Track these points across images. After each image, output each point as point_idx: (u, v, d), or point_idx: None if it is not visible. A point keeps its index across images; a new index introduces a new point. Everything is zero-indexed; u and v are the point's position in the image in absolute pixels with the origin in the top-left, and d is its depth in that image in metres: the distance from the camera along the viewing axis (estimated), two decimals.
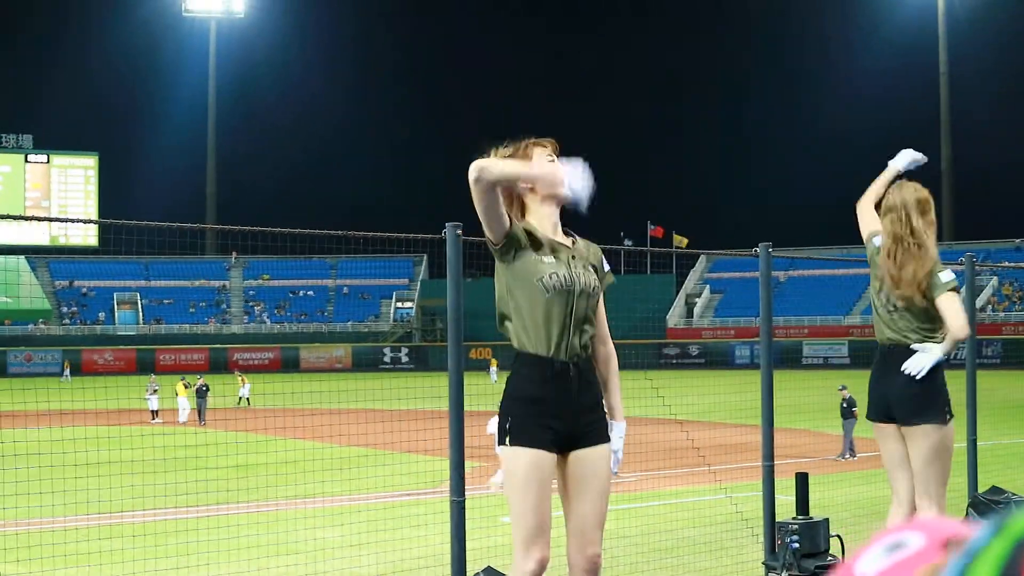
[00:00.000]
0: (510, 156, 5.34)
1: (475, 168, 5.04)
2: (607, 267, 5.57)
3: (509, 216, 5.28)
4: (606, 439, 5.41)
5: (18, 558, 11.44)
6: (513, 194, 5.36)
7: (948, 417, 7.22)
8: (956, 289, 7.19)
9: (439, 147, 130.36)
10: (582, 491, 5.32)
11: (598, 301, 5.41)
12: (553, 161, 5.41)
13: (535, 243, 5.29)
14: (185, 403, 36.29)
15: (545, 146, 5.45)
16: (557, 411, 5.24)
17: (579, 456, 5.32)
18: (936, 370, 7.16)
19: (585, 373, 5.33)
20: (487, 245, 5.37)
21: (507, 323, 5.36)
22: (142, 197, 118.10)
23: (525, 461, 5.20)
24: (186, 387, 36.90)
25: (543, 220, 5.37)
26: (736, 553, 12.34)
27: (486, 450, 17.68)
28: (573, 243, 5.45)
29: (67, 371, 68.72)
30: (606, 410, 5.47)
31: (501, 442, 5.32)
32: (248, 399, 42.28)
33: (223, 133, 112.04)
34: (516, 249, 5.28)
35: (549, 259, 5.28)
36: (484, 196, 5.10)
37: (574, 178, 5.26)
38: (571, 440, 5.31)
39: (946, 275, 7.21)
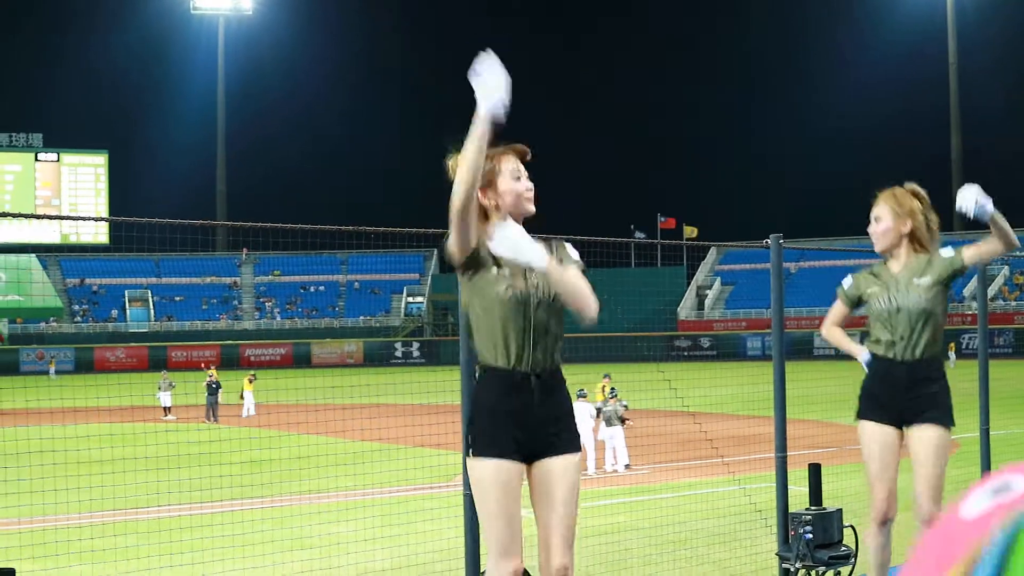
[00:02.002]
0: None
1: (455, 197, 5.02)
2: (575, 256, 5.47)
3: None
4: (573, 449, 5.34)
5: (33, 555, 11.48)
6: (477, 207, 5.25)
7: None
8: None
9: (448, 140, 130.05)
10: (547, 502, 5.29)
11: (559, 311, 5.30)
12: (520, 174, 5.33)
13: (493, 257, 5.23)
14: (251, 398, 36.87)
15: (511, 155, 5.36)
16: (519, 421, 5.21)
17: (543, 466, 5.28)
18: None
19: (548, 384, 5.27)
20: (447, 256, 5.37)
21: (471, 336, 5.37)
22: (152, 194, 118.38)
23: (490, 471, 5.19)
24: (250, 381, 37.42)
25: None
26: (750, 544, 12.34)
27: None
28: None
29: (52, 369, 68.90)
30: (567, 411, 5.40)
31: (466, 453, 5.34)
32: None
33: (232, 129, 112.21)
34: (476, 265, 5.26)
35: (505, 272, 5.23)
36: (463, 219, 5.07)
37: (489, 83, 4.98)
38: (535, 450, 5.27)
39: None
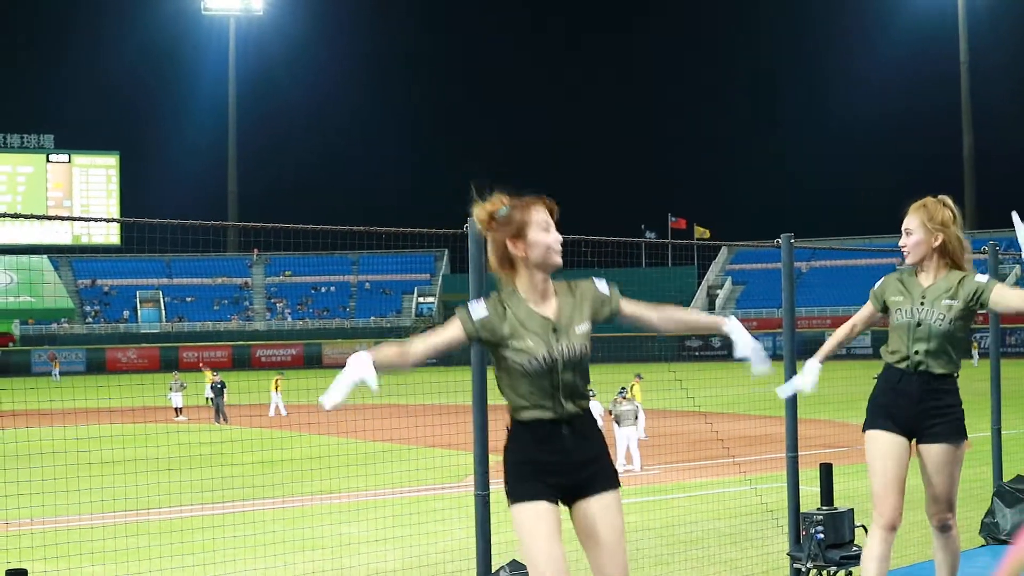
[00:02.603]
0: (510, 212, 5.20)
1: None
2: (605, 291, 5.42)
3: (462, 326, 5.28)
4: (612, 486, 5.30)
5: (45, 556, 11.50)
6: (506, 256, 5.25)
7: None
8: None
9: (459, 141, 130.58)
10: (594, 543, 5.27)
11: (587, 359, 5.32)
12: (548, 226, 5.27)
13: (509, 328, 5.21)
14: (278, 398, 37.30)
15: (541, 206, 5.31)
16: (552, 468, 5.22)
17: (584, 508, 5.27)
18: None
19: (580, 430, 5.27)
20: None
21: (501, 389, 5.39)
22: (163, 195, 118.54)
23: (526, 514, 5.19)
24: (277, 385, 37.84)
25: (531, 288, 5.27)
26: (761, 544, 12.34)
27: None
28: (558, 308, 5.29)
29: (56, 371, 69.01)
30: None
31: (508, 504, 5.35)
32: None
33: (243, 130, 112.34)
34: (489, 341, 5.26)
35: (529, 343, 5.19)
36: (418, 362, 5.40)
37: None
38: (573, 492, 5.27)
39: None
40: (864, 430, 7.15)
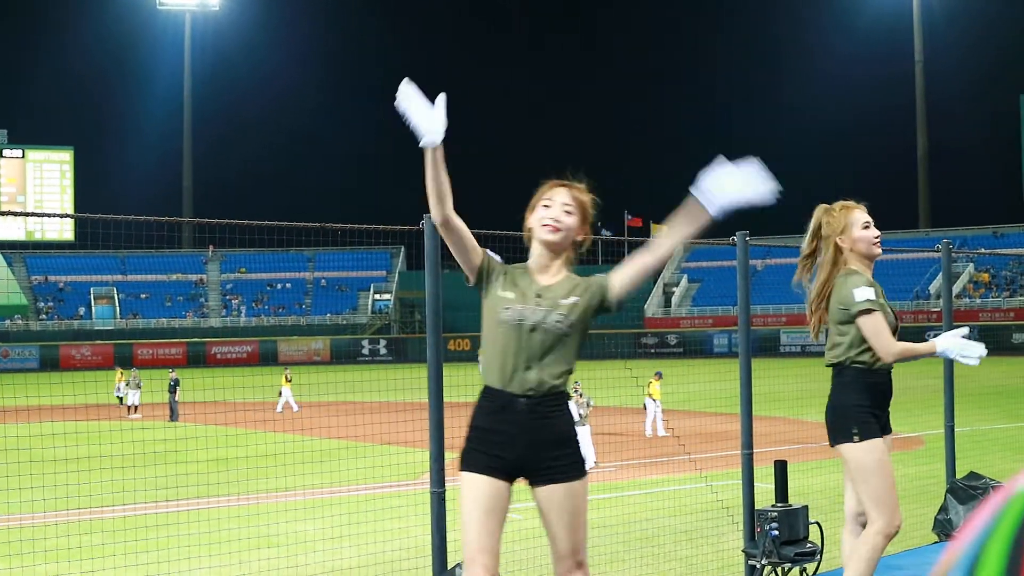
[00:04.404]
0: (537, 198, 5.49)
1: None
2: (606, 279, 5.47)
3: (485, 255, 5.43)
4: (574, 476, 5.33)
5: None
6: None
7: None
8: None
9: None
10: (552, 526, 5.37)
11: (562, 337, 5.32)
12: (551, 203, 5.45)
13: (505, 279, 5.39)
14: (289, 393, 37.18)
15: (555, 186, 5.53)
16: (503, 440, 5.28)
17: (544, 494, 5.33)
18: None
19: (542, 408, 5.29)
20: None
21: (479, 355, 5.47)
22: (118, 191, 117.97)
23: (468, 485, 5.31)
24: (287, 380, 37.62)
25: (535, 261, 5.46)
26: (716, 541, 12.38)
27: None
28: (554, 282, 5.42)
29: None
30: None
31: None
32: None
33: (199, 126, 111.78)
34: (486, 284, 5.41)
35: (511, 295, 5.34)
36: (446, 237, 5.37)
37: (414, 121, 5.13)
38: (524, 471, 5.32)
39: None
40: (862, 439, 7.06)
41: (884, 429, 7.14)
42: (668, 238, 5.51)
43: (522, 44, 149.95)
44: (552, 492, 5.32)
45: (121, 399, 39.59)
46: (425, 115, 5.07)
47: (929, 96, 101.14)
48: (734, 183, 5.42)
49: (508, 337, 5.30)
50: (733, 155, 5.39)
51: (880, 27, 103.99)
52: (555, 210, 5.42)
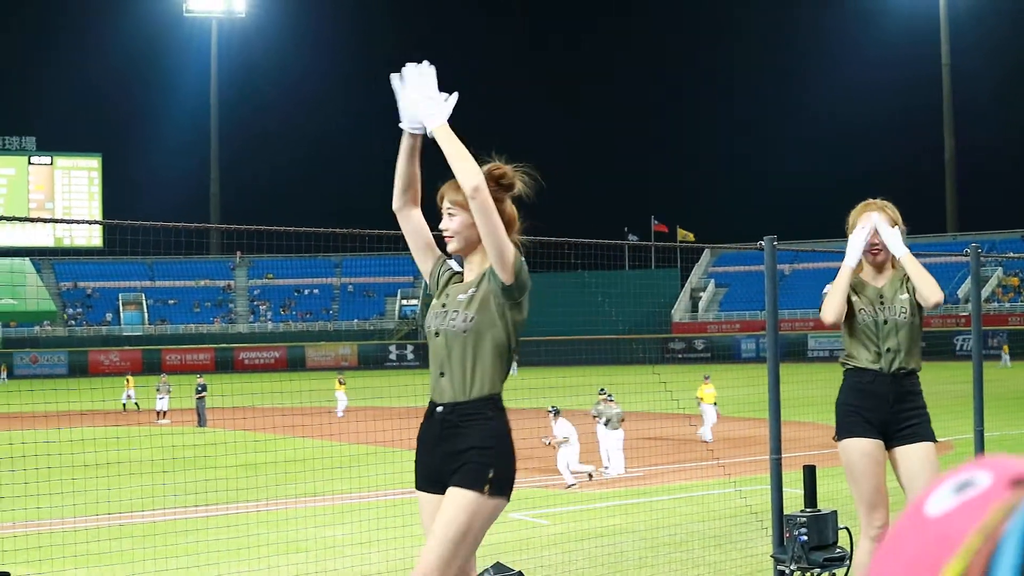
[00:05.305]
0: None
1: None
2: (498, 274, 5.06)
3: (438, 261, 5.34)
4: (466, 484, 5.04)
5: (28, 559, 11.46)
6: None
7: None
8: None
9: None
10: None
11: (465, 338, 5.05)
12: (453, 212, 5.18)
13: (441, 288, 5.29)
14: (343, 397, 37.31)
15: (441, 197, 5.30)
16: (423, 449, 5.24)
17: (441, 498, 5.21)
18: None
19: (452, 418, 5.09)
20: None
21: None
22: (146, 197, 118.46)
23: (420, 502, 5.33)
24: (341, 383, 37.88)
25: (472, 257, 5.25)
26: (745, 546, 12.35)
27: None
28: (467, 280, 5.21)
29: (4, 374, 68.98)
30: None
31: None
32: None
33: (226, 132, 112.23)
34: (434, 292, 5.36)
35: (437, 302, 5.24)
36: (403, 226, 5.35)
37: (405, 99, 5.00)
38: (436, 480, 5.22)
39: None
40: (839, 439, 7.12)
41: (885, 433, 7.05)
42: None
43: (553, 46, 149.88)
44: (444, 496, 5.14)
45: (125, 406, 39.81)
46: (436, 99, 4.97)
47: (956, 99, 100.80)
48: (405, 100, 5.03)
49: (432, 347, 5.20)
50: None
51: (907, 30, 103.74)
52: (444, 220, 5.25)
